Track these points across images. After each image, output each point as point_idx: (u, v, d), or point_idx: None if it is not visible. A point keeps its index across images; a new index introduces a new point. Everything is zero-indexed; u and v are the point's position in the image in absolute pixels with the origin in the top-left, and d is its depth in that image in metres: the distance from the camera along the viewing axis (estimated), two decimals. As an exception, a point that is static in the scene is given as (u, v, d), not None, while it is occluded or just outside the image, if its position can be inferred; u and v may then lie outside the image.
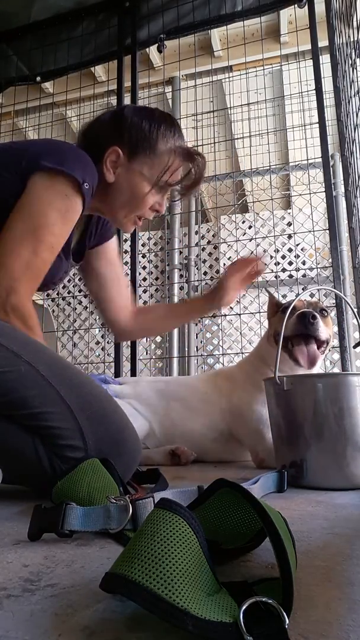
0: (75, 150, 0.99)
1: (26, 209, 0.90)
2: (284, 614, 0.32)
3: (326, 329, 1.22)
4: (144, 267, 3.04)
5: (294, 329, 1.19)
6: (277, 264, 2.79)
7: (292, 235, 2.74)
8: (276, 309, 1.37)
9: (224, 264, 3.02)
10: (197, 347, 2.87)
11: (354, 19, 1.46)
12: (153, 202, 1.08)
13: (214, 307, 1.34)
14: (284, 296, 2.40)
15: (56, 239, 0.92)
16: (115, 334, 1.37)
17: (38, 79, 2.53)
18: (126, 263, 2.40)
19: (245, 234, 2.91)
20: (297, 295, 1.05)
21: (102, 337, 2.96)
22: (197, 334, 2.91)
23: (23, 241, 0.88)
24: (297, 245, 2.70)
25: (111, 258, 1.29)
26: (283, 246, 2.86)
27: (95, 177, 0.99)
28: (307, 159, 2.19)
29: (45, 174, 0.91)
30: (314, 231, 2.18)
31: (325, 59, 1.99)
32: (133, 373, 2.19)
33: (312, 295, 2.57)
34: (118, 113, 1.09)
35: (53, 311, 3.09)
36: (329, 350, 1.28)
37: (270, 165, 2.48)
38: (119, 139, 1.04)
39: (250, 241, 2.63)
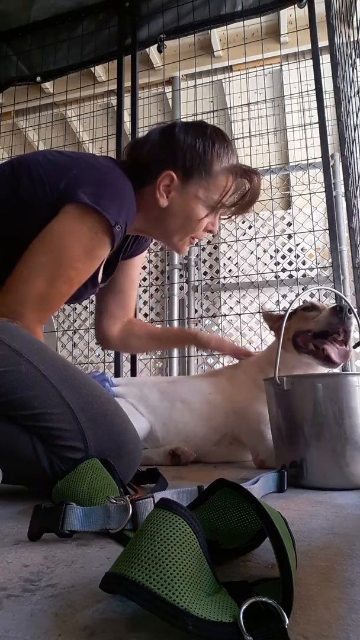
0: (117, 183, 0.93)
1: (53, 239, 0.88)
2: (284, 614, 0.32)
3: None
4: (144, 267, 3.03)
5: (328, 322, 1.14)
6: (277, 264, 2.79)
7: (292, 235, 2.74)
8: (277, 318, 1.36)
9: (224, 264, 3.02)
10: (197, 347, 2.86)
11: (354, 19, 1.46)
12: (207, 222, 1.06)
13: (197, 347, 1.40)
14: (284, 296, 2.40)
15: (77, 274, 0.90)
16: (98, 340, 1.37)
17: (38, 79, 2.53)
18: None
19: (245, 234, 2.91)
20: (297, 295, 1.04)
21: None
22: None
23: (41, 272, 0.86)
24: (297, 245, 2.70)
25: (132, 272, 1.28)
26: (283, 246, 2.86)
27: (132, 215, 0.95)
28: (307, 159, 2.19)
29: (78, 207, 0.88)
30: (314, 231, 2.18)
31: (325, 59, 1.99)
32: (133, 373, 2.19)
33: (312, 295, 2.57)
34: (168, 132, 1.03)
35: (53, 311, 3.09)
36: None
37: (270, 165, 2.48)
38: (172, 162, 1.00)
39: (250, 241, 2.63)
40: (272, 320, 1.40)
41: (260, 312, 2.20)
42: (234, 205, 1.07)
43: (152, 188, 1.01)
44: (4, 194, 0.93)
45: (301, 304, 1.30)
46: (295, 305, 1.17)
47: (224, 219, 1.16)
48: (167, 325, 2.70)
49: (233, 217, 1.14)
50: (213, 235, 3.17)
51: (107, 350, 2.67)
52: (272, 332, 1.44)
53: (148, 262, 3.03)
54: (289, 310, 1.03)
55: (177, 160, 1.00)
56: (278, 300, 2.36)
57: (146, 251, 1.31)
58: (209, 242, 3.16)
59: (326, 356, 1.17)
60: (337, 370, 1.21)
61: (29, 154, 0.98)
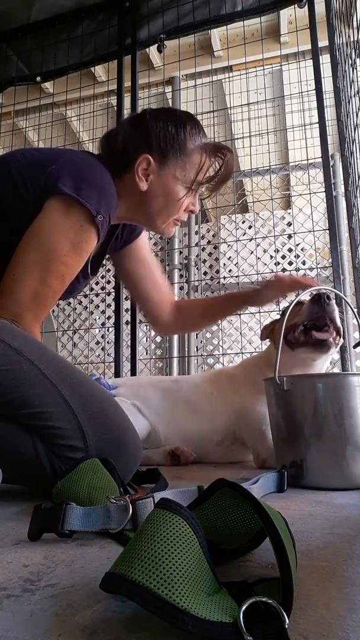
0: (95, 174, 0.95)
1: (40, 237, 0.89)
2: (284, 614, 0.32)
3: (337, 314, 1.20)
4: (144, 267, 3.03)
5: (310, 312, 1.16)
6: (277, 264, 2.79)
7: (292, 235, 2.74)
8: (271, 326, 1.36)
9: (224, 264, 3.01)
10: (197, 347, 2.86)
11: (354, 19, 1.46)
12: (187, 203, 1.08)
13: (250, 306, 1.35)
14: (284, 296, 2.40)
15: (67, 269, 0.91)
16: (156, 330, 1.37)
17: (38, 79, 2.53)
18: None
19: (245, 234, 2.91)
20: (297, 295, 1.04)
21: (102, 337, 2.96)
22: (197, 334, 2.90)
23: (33, 270, 0.87)
24: (297, 245, 2.70)
25: (142, 256, 1.27)
26: (283, 246, 2.86)
27: (113, 205, 0.97)
28: (307, 159, 2.19)
29: (61, 200, 0.89)
30: (314, 231, 2.18)
31: (325, 59, 1.98)
32: (133, 373, 2.19)
33: (312, 295, 2.57)
34: (140, 119, 1.07)
35: (53, 311, 3.09)
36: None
37: (270, 165, 2.48)
38: (148, 146, 1.03)
39: (250, 241, 2.63)
40: (268, 330, 1.39)
41: (259, 312, 2.20)
42: (210, 182, 1.11)
43: (131, 174, 1.03)
44: None
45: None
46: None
47: (203, 198, 1.19)
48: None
49: (212, 195, 1.20)
50: (213, 236, 3.17)
51: (107, 351, 2.68)
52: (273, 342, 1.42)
53: (148, 262, 3.03)
54: (288, 310, 1.03)
55: (152, 143, 1.03)
56: (278, 300, 2.36)
57: (145, 233, 1.29)
58: (209, 242, 3.16)
59: (316, 340, 1.17)
60: (335, 369, 1.21)
61: (6, 155, 0.98)
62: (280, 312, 1.32)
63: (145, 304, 1.31)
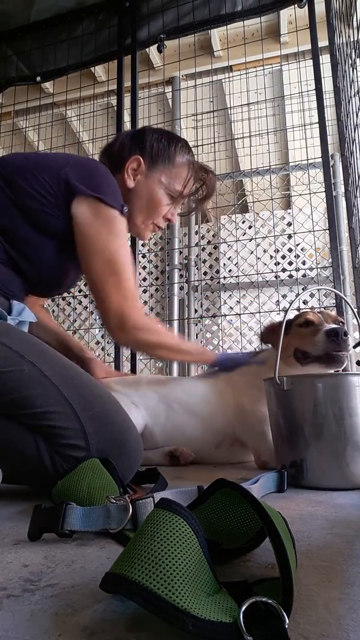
0: (103, 171, 1.03)
1: (93, 249, 0.97)
2: (284, 614, 0.32)
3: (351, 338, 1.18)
4: (144, 267, 3.04)
5: (325, 347, 1.13)
6: (277, 264, 2.79)
7: (292, 235, 2.74)
8: (278, 329, 1.32)
9: (224, 264, 3.02)
10: (197, 347, 2.86)
11: (354, 19, 1.46)
12: (166, 210, 1.16)
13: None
14: (284, 296, 2.40)
15: (125, 257, 1.00)
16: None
17: (38, 79, 2.52)
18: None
19: (245, 234, 2.91)
20: (297, 295, 1.04)
21: (102, 337, 2.96)
22: (197, 334, 2.90)
23: (106, 282, 0.97)
24: (297, 245, 2.70)
25: None
26: (283, 246, 2.86)
27: (120, 196, 1.04)
28: (307, 159, 2.19)
29: (87, 201, 0.96)
30: (314, 231, 2.17)
31: (325, 59, 1.98)
32: (133, 373, 2.19)
33: (312, 295, 2.57)
34: (139, 131, 1.19)
35: (53, 311, 3.09)
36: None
37: (270, 165, 2.48)
38: (141, 149, 1.13)
39: (250, 241, 2.63)
40: (268, 334, 1.35)
41: (260, 313, 2.19)
42: (192, 196, 1.19)
43: (122, 173, 1.12)
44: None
45: (301, 304, 1.30)
46: (295, 305, 1.15)
47: (184, 215, 1.29)
48: (167, 326, 2.70)
49: (191, 212, 1.29)
50: (213, 236, 3.17)
51: (107, 351, 2.68)
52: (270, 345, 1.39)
53: (148, 262, 3.03)
54: (286, 315, 1.03)
55: (145, 148, 1.13)
56: (278, 300, 2.36)
57: None
58: (209, 242, 3.16)
59: (329, 357, 1.15)
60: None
61: (7, 163, 1.01)
62: (283, 311, 1.30)
63: None
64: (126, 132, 1.21)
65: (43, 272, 1.02)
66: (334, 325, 1.16)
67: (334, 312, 1.29)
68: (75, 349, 1.37)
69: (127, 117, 2.36)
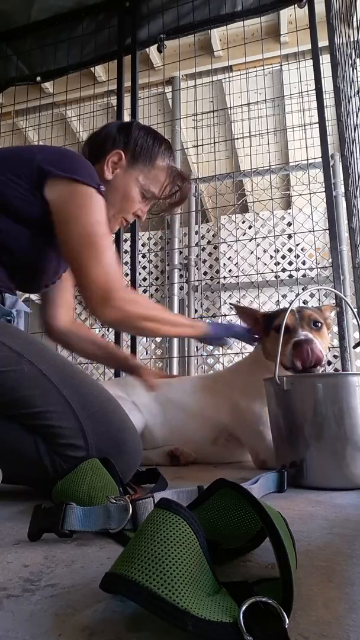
0: (74, 153, 1.04)
1: (69, 228, 0.95)
2: (284, 614, 0.32)
3: (322, 344, 1.14)
4: (144, 267, 3.04)
5: (292, 361, 1.09)
6: (277, 264, 2.78)
7: (292, 235, 2.74)
8: (261, 322, 1.29)
9: (224, 264, 3.01)
10: (197, 347, 2.86)
11: (354, 19, 1.46)
12: (137, 208, 1.16)
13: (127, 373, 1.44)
14: (284, 296, 2.40)
15: (103, 232, 0.98)
16: (48, 331, 1.37)
17: (38, 79, 2.53)
18: (126, 263, 2.39)
19: (245, 234, 2.91)
20: (297, 295, 1.04)
21: (102, 337, 2.96)
22: (197, 334, 2.90)
23: (86, 258, 0.94)
24: (297, 245, 2.70)
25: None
26: (283, 246, 2.86)
27: (97, 176, 1.03)
28: (307, 159, 2.19)
29: (61, 183, 0.95)
30: (314, 231, 2.17)
31: (325, 59, 1.98)
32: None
33: (312, 295, 2.57)
34: (126, 124, 1.18)
35: (53, 311, 3.09)
36: (329, 351, 1.23)
37: (270, 165, 2.48)
38: (124, 145, 1.12)
39: (250, 241, 2.63)
40: (249, 316, 1.33)
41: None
42: (165, 199, 1.20)
43: (102, 164, 1.12)
44: None
45: (301, 304, 1.29)
46: (295, 305, 1.14)
47: (154, 214, 1.29)
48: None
49: (160, 214, 1.31)
50: (213, 236, 3.17)
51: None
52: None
53: (148, 262, 3.03)
54: (286, 315, 1.02)
55: (129, 144, 1.13)
56: (278, 300, 2.36)
57: None
58: (209, 242, 3.16)
59: (300, 370, 1.09)
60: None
61: None
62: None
63: (49, 304, 1.33)
64: (114, 123, 1.20)
65: (25, 262, 1.01)
66: (302, 337, 1.10)
67: (309, 311, 1.21)
68: (123, 358, 1.38)
69: (127, 117, 2.36)
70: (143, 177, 1.13)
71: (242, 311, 1.35)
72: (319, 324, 1.19)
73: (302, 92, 2.31)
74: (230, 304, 1.47)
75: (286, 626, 0.31)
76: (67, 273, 1.31)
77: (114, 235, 2.60)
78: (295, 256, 2.77)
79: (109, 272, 0.94)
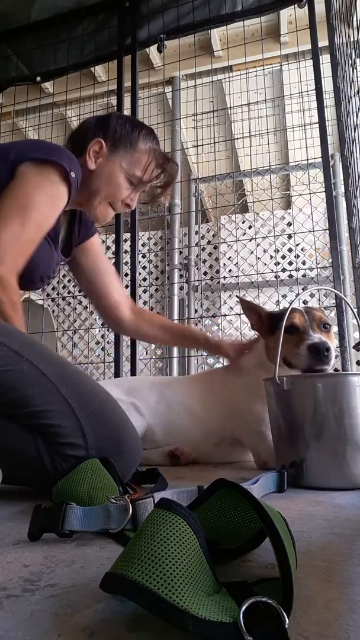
0: (60, 147, 1.07)
1: (14, 191, 0.96)
2: (284, 614, 0.32)
3: (333, 348, 1.13)
4: (144, 267, 3.04)
5: (307, 362, 1.09)
6: (277, 264, 2.79)
7: (292, 235, 2.74)
8: (265, 321, 1.28)
9: (224, 264, 3.02)
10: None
11: (354, 19, 1.46)
12: (125, 196, 1.17)
13: (204, 350, 1.44)
14: (284, 296, 2.40)
15: (43, 217, 0.98)
16: (110, 326, 1.40)
17: (38, 79, 2.53)
18: (126, 263, 2.39)
19: (245, 234, 2.91)
20: (297, 295, 1.04)
21: (102, 337, 2.96)
22: (197, 334, 2.90)
23: (10, 217, 0.94)
24: (297, 245, 2.70)
25: (97, 251, 1.35)
26: (283, 246, 2.86)
27: (80, 172, 1.05)
28: (307, 159, 2.19)
29: (33, 163, 0.98)
30: (314, 231, 2.17)
31: (325, 59, 1.98)
32: (133, 373, 2.19)
33: (312, 295, 2.57)
34: (104, 116, 1.20)
35: (53, 311, 3.09)
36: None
37: (270, 165, 2.48)
38: (104, 133, 1.15)
39: (250, 241, 2.63)
40: (254, 312, 1.32)
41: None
42: (152, 182, 1.20)
43: (84, 156, 1.13)
44: None
45: (301, 304, 1.28)
46: (295, 305, 1.14)
47: (144, 203, 1.29)
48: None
49: (151, 201, 1.28)
50: (213, 236, 3.17)
51: (107, 351, 2.68)
52: (255, 331, 1.36)
53: (148, 262, 3.03)
54: (286, 315, 1.02)
55: (108, 132, 1.15)
56: (278, 300, 2.36)
57: (98, 235, 1.38)
58: (209, 242, 3.17)
59: (312, 371, 1.10)
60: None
61: None
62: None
63: (103, 299, 1.35)
64: (92, 118, 1.22)
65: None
66: (316, 340, 1.10)
67: (318, 313, 1.21)
68: (202, 338, 1.39)
69: (127, 117, 2.36)
70: (126, 162, 1.14)
71: (247, 307, 1.35)
72: (328, 326, 1.20)
73: (302, 92, 2.31)
74: (237, 296, 1.47)
75: (286, 626, 0.31)
76: (106, 265, 1.35)
77: (113, 236, 2.60)
78: (295, 256, 2.77)
79: (7, 243, 0.92)
